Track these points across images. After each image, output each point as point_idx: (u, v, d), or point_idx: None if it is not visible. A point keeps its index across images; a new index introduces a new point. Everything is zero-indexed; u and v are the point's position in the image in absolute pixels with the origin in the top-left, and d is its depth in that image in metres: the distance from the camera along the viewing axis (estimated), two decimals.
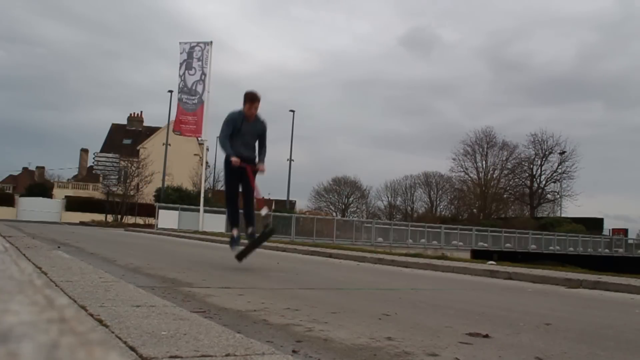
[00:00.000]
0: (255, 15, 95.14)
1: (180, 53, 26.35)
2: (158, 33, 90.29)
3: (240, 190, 6.61)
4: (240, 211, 6.74)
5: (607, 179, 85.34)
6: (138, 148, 49.27)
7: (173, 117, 29.47)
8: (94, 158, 42.45)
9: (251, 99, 6.37)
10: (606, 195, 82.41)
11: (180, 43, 26.62)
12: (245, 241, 6.64)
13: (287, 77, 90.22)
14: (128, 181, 39.78)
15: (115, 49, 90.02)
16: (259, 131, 6.60)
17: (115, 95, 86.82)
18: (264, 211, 6.66)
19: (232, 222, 6.76)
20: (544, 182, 59.77)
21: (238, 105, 6.50)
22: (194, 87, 26.15)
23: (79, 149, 60.26)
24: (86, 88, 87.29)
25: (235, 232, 6.64)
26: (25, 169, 69.21)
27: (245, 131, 6.46)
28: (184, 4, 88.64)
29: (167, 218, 27.25)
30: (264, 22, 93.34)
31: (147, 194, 38.98)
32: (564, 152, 57.11)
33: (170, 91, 34.42)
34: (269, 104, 79.26)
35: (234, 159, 6.27)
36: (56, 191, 47.45)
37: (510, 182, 61.29)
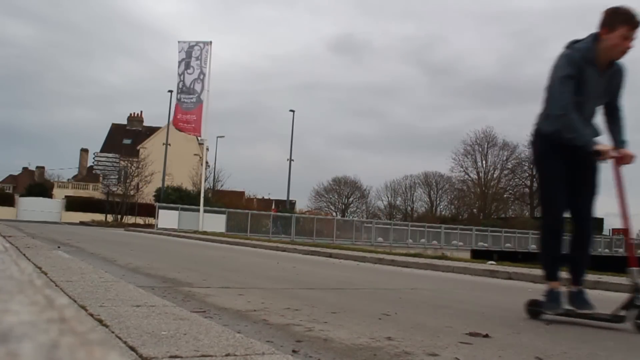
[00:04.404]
0: (218, 13, 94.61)
1: (179, 52, 26.39)
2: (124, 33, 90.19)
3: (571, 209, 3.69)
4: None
5: None
6: (138, 148, 49.22)
7: (172, 116, 29.49)
8: (94, 158, 42.44)
9: (635, 22, 3.40)
10: None
11: (179, 42, 26.68)
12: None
13: (249, 77, 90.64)
14: (128, 181, 39.76)
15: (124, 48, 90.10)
16: (615, 88, 3.68)
17: (116, 94, 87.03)
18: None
19: (552, 266, 3.74)
20: None
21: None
22: (192, 86, 26.17)
23: (79, 149, 60.28)
24: (86, 88, 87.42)
25: (556, 286, 3.65)
26: (25, 169, 69.16)
27: (596, 90, 3.58)
28: (144, 3, 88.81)
29: (167, 218, 27.25)
30: (226, 20, 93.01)
31: (147, 194, 38.95)
32: None
33: (170, 91, 34.43)
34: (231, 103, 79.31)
35: (605, 148, 3.43)
36: (56, 191, 47.41)
37: (511, 182, 61.31)
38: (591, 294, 6.27)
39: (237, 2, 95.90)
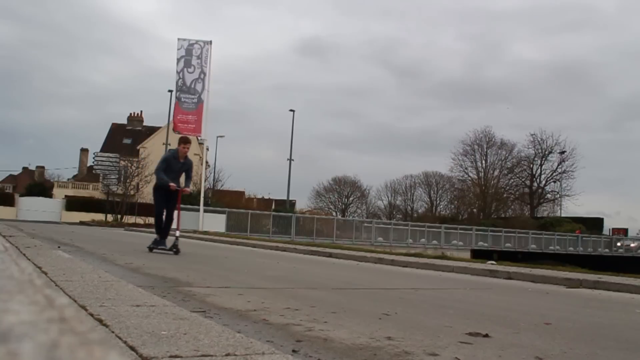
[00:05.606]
0: (196, 12, 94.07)
1: (178, 49, 26.30)
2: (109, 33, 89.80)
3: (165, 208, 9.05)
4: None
5: None
6: (138, 147, 49.22)
7: (172, 117, 29.44)
8: (94, 158, 42.41)
9: (184, 141, 9.24)
10: None
11: (178, 39, 26.57)
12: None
13: (229, 76, 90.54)
14: (128, 181, 39.76)
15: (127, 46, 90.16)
16: (186, 167, 9.13)
17: (116, 94, 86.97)
18: (177, 233, 8.95)
19: (157, 230, 9.18)
20: (543, 182, 59.81)
21: None
22: (192, 86, 26.11)
23: (79, 149, 60.25)
24: (86, 88, 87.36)
25: (158, 237, 9.04)
26: (25, 168, 69.19)
27: (175, 168, 8.93)
28: (125, 3, 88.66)
29: None
30: (203, 20, 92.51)
31: (147, 194, 38.85)
32: (563, 152, 57.13)
33: (170, 91, 34.41)
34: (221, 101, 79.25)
35: (172, 185, 8.73)
36: (56, 191, 47.41)
37: (510, 182, 61.26)
38: (591, 293, 6.27)
39: (214, 2, 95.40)
